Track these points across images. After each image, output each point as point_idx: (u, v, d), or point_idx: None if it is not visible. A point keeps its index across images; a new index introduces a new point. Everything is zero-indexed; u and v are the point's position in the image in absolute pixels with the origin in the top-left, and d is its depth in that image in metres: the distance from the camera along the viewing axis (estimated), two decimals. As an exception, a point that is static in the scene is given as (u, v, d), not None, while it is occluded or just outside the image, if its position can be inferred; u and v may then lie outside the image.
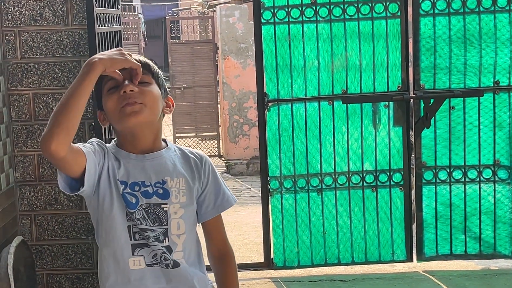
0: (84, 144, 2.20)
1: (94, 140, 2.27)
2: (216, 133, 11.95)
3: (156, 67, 2.30)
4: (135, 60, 2.20)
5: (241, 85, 10.86)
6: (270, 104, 4.90)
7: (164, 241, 2.21)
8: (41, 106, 4.47)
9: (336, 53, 4.88)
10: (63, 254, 4.59)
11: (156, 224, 2.21)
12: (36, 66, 4.45)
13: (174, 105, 2.35)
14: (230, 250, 2.39)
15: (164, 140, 2.34)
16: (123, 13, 12.13)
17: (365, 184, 4.98)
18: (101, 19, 4.38)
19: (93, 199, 2.23)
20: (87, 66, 2.10)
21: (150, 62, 2.28)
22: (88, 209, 2.29)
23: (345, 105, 4.90)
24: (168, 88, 11.06)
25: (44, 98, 4.46)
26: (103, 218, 2.22)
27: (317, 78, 4.89)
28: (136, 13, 12.91)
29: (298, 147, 4.94)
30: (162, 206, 2.23)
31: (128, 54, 2.19)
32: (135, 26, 12.42)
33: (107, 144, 2.29)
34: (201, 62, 11.85)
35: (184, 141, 12.14)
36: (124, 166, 2.24)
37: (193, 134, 12.12)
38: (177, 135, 12.03)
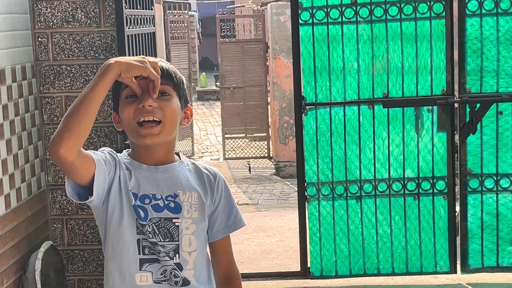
0: (95, 151, 2.18)
1: (106, 149, 2.24)
2: (266, 134, 11.94)
3: (178, 75, 2.25)
4: (157, 68, 2.14)
5: (292, 85, 10.80)
6: (307, 107, 4.86)
7: (175, 257, 2.18)
8: (73, 109, 4.52)
9: (377, 55, 4.81)
10: (94, 260, 4.64)
11: (167, 239, 2.18)
12: (68, 68, 4.50)
13: (193, 115, 2.32)
14: (236, 271, 2.36)
15: (178, 154, 2.32)
16: (173, 11, 12.20)
17: (406, 191, 4.90)
18: (132, 21, 4.41)
19: (101, 210, 2.20)
20: (102, 69, 2.06)
21: (172, 69, 2.23)
22: (96, 221, 2.29)
23: (386, 109, 4.83)
24: (218, 87, 11.10)
25: (76, 101, 4.51)
26: (111, 231, 2.19)
27: (356, 81, 4.83)
28: (186, 11, 12.95)
29: (336, 152, 4.89)
30: (174, 220, 2.20)
31: (152, 61, 2.13)
32: (185, 24, 12.49)
33: (118, 154, 2.27)
34: (251, 61, 11.84)
35: (233, 142, 12.17)
36: (135, 177, 2.21)
37: (243, 135, 12.13)
38: (226, 135, 12.05)
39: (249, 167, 11.30)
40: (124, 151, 2.30)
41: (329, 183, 4.91)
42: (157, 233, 2.18)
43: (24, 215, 4.31)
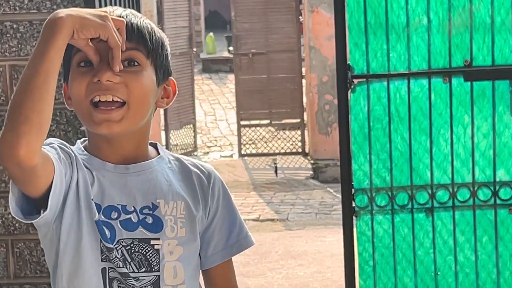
0: (44, 146, 2.16)
1: (55, 141, 2.24)
2: (299, 120, 11.96)
3: (156, 35, 2.24)
4: (122, 29, 2.14)
5: (336, 50, 10.80)
6: (355, 81, 4.83)
7: None
8: (21, 84, 4.52)
9: (456, 6, 4.78)
10: (52, 298, 4.64)
11: (143, 269, 2.20)
12: (15, 26, 4.51)
13: (177, 93, 2.32)
14: None
15: (155, 145, 2.32)
16: None
17: (498, 201, 4.87)
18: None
19: (53, 228, 2.21)
20: (48, 27, 2.05)
21: (147, 27, 2.22)
22: (41, 243, 2.28)
23: (469, 83, 4.80)
24: (231, 54, 11.15)
25: (26, 73, 4.51)
26: (65, 257, 2.20)
27: (426, 44, 4.80)
28: None
29: (397, 145, 4.87)
30: (152, 242, 2.22)
31: (117, 19, 2.13)
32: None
33: (72, 147, 2.27)
34: (278, 17, 11.88)
35: (252, 131, 12.18)
36: (98, 181, 2.22)
37: (266, 122, 12.15)
38: (243, 122, 12.08)
39: (276, 167, 11.34)
40: (78, 141, 2.30)
41: (387, 190, 4.89)
42: (129, 260, 2.19)
43: (-47, 235, 4.32)
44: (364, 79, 4.85)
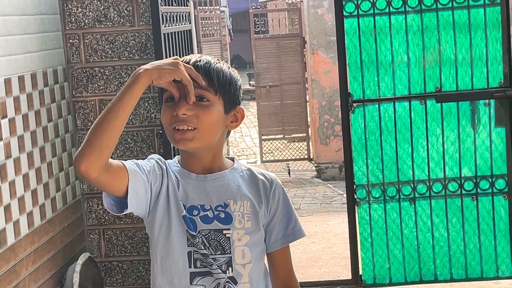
0: (137, 161, 2.16)
1: (154, 156, 2.22)
2: (305, 134, 11.91)
3: (224, 77, 2.18)
4: (191, 71, 2.11)
5: (332, 82, 10.75)
6: (354, 105, 4.82)
7: (228, 271, 2.17)
8: (107, 113, 4.53)
9: (428, 47, 4.76)
10: (133, 271, 4.64)
11: (219, 252, 2.17)
12: (102, 70, 4.51)
13: (244, 117, 2.28)
14: (296, 284, 2.32)
15: (233, 159, 2.29)
16: (204, 7, 12.23)
17: (463, 192, 4.83)
18: (168, 18, 4.40)
19: (147, 221, 2.20)
20: (130, 78, 2.04)
21: (216, 69, 2.16)
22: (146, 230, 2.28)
23: (439, 104, 4.78)
24: (253, 86, 11.02)
25: (111, 105, 4.52)
26: (158, 243, 2.19)
27: (407, 75, 4.78)
28: (217, 7, 12.98)
29: (387, 152, 4.84)
30: (224, 232, 2.18)
31: (186, 65, 2.09)
32: (216, 21, 12.52)
33: (169, 161, 2.25)
34: (287, 58, 11.82)
35: (271, 143, 12.15)
36: (183, 187, 2.19)
37: (281, 136, 12.11)
38: (263, 137, 12.04)
39: (289, 169, 11.27)
40: (176, 157, 2.28)
41: (380, 185, 4.87)
42: (207, 245, 2.16)
43: (60, 226, 4.32)
44: (361, 103, 4.83)
